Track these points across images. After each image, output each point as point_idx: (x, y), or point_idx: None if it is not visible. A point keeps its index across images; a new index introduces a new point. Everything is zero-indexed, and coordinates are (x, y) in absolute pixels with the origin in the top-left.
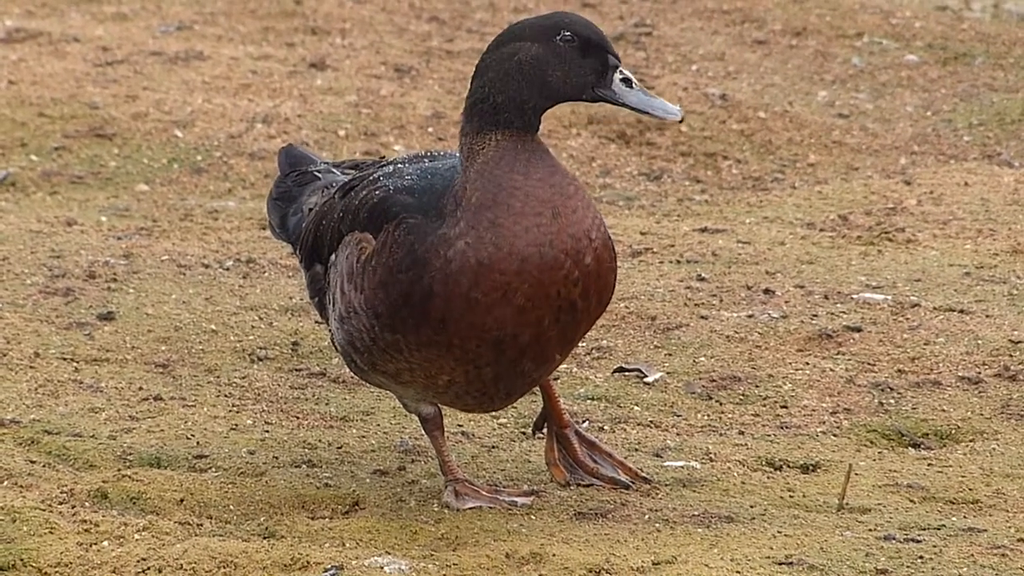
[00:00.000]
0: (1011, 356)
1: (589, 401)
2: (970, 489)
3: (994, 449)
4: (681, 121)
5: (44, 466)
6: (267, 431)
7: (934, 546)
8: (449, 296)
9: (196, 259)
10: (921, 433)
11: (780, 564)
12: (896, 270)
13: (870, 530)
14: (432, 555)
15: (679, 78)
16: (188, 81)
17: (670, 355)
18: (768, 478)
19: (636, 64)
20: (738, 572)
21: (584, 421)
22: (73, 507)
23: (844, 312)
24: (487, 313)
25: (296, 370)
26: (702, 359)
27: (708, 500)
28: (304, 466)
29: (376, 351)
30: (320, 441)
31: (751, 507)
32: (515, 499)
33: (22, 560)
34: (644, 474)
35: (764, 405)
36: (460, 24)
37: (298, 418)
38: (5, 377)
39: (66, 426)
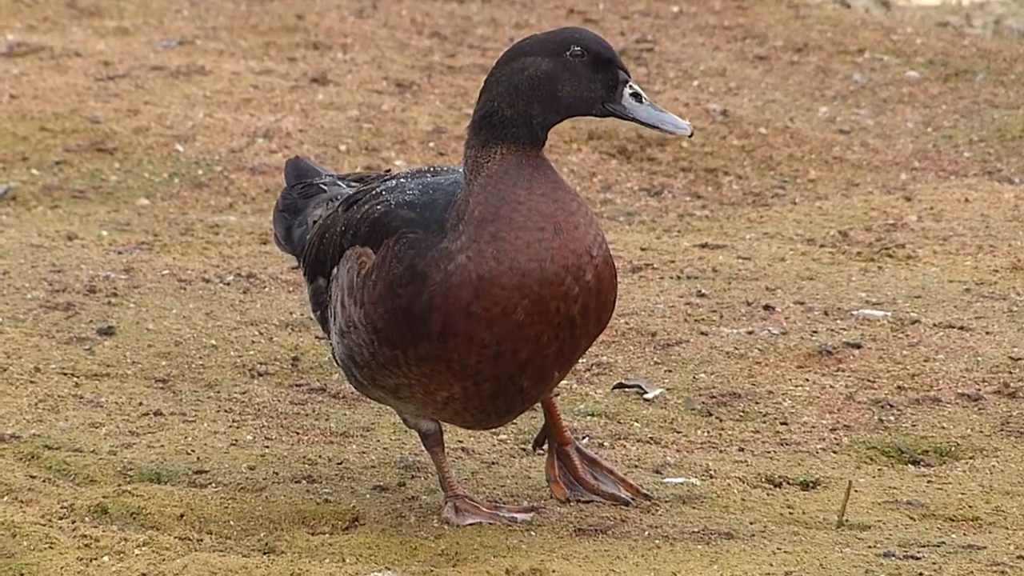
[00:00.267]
0: (1011, 373)
1: (589, 417)
2: (970, 506)
3: (994, 466)
4: (691, 136)
5: (44, 481)
6: (267, 446)
7: (933, 563)
8: (449, 310)
9: (197, 274)
10: (921, 450)
11: None
12: (896, 286)
13: (870, 547)
14: (432, 571)
15: (680, 94)
16: (189, 96)
17: (670, 371)
18: (768, 495)
19: (637, 80)
20: None
21: (584, 437)
22: (73, 522)
23: (844, 328)
24: (487, 328)
25: (296, 385)
26: (702, 375)
27: (708, 517)
28: (304, 481)
29: (375, 366)
30: (320, 457)
31: (751, 524)
32: (515, 515)
33: (22, 575)
34: (645, 491)
35: (764, 422)
36: (462, 40)
37: (298, 433)
38: (5, 392)
39: (66, 441)
